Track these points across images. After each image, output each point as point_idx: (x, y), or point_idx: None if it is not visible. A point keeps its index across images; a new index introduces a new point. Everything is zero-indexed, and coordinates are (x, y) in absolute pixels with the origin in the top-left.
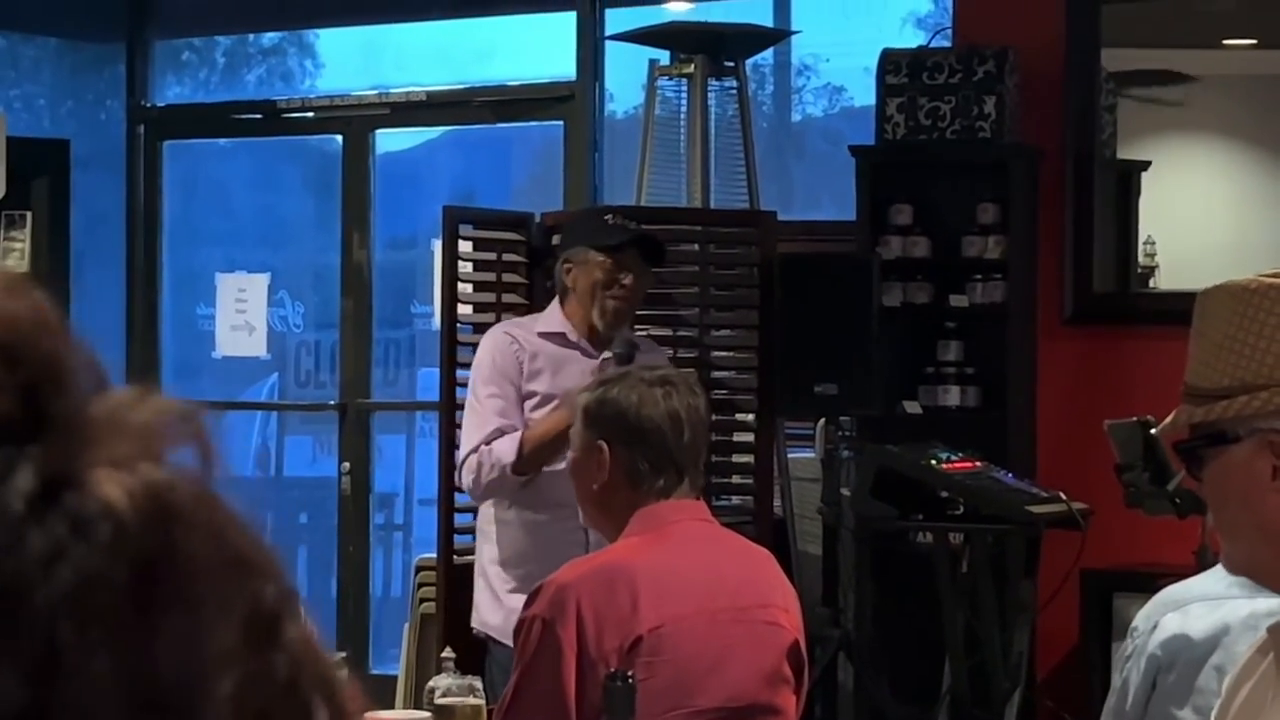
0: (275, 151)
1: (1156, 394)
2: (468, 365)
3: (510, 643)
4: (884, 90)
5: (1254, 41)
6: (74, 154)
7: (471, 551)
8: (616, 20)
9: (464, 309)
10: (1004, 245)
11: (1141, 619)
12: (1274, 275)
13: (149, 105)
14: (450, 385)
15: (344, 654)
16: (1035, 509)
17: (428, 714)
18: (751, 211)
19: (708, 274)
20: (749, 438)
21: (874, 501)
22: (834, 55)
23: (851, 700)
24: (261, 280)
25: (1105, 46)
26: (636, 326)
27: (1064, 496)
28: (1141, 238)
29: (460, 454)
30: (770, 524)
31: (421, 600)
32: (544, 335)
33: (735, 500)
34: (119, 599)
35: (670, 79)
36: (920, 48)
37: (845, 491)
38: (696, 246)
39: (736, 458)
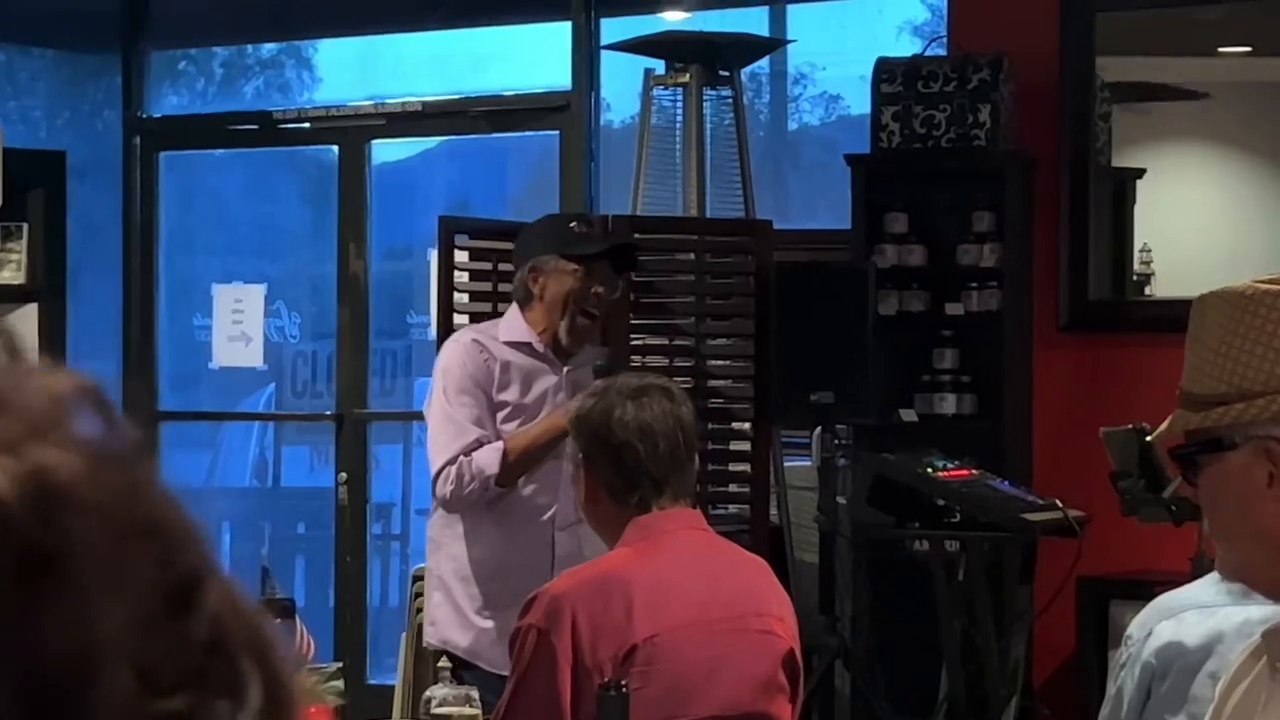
0: (271, 162)
1: (1152, 402)
2: None
3: (480, 662)
4: (879, 99)
5: (1249, 49)
6: (70, 165)
7: None
8: (612, 30)
9: (460, 319)
10: (999, 253)
11: (1135, 627)
12: (1270, 281)
13: (145, 116)
14: None
15: (341, 664)
16: (1031, 517)
17: None
18: (747, 220)
19: (703, 283)
20: (745, 446)
21: (870, 509)
22: (830, 64)
23: (849, 708)
24: (258, 291)
25: (1100, 54)
26: (633, 336)
27: (1060, 504)
28: (1137, 245)
29: (435, 464)
30: (767, 532)
31: (419, 610)
32: (510, 344)
33: (731, 509)
34: (3, 585)
35: (666, 88)
36: (915, 56)
37: (842, 500)
38: (692, 256)
39: (733, 466)
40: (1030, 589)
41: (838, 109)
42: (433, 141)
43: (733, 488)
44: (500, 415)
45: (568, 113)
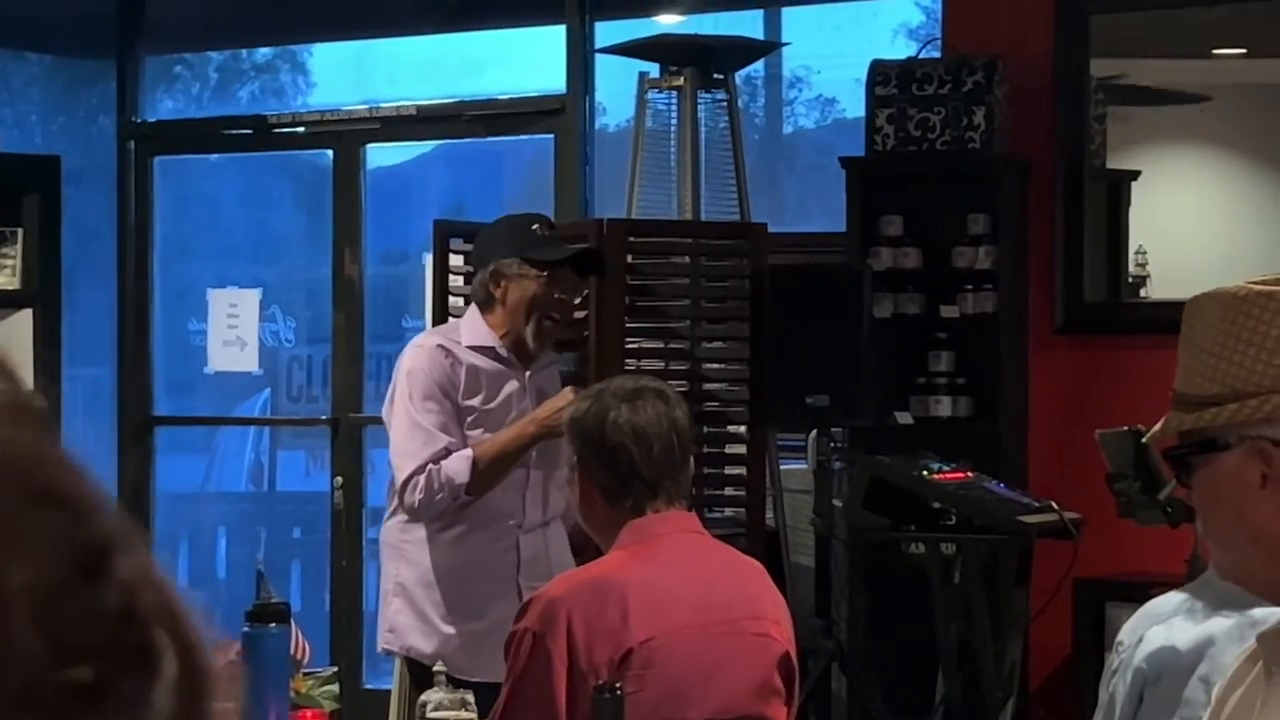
0: (266, 166)
1: (1148, 403)
2: None
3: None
4: (873, 101)
5: (1243, 51)
6: (65, 170)
7: None
8: (606, 33)
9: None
10: (994, 255)
11: (1126, 633)
12: (1263, 283)
13: (140, 121)
14: None
15: (337, 668)
16: (1027, 519)
17: None
18: (742, 224)
19: (699, 286)
20: (741, 449)
21: (866, 512)
22: (824, 67)
23: (845, 711)
24: (253, 295)
25: (1094, 56)
26: (628, 339)
27: (1056, 506)
28: (1132, 247)
29: (402, 471)
30: (762, 535)
31: None
32: (474, 349)
33: (727, 512)
34: None
35: (660, 92)
36: (910, 59)
37: (837, 502)
38: (687, 259)
39: (728, 469)
40: (1026, 591)
41: (832, 112)
42: (427, 145)
43: (728, 490)
44: (467, 421)
45: (562, 116)
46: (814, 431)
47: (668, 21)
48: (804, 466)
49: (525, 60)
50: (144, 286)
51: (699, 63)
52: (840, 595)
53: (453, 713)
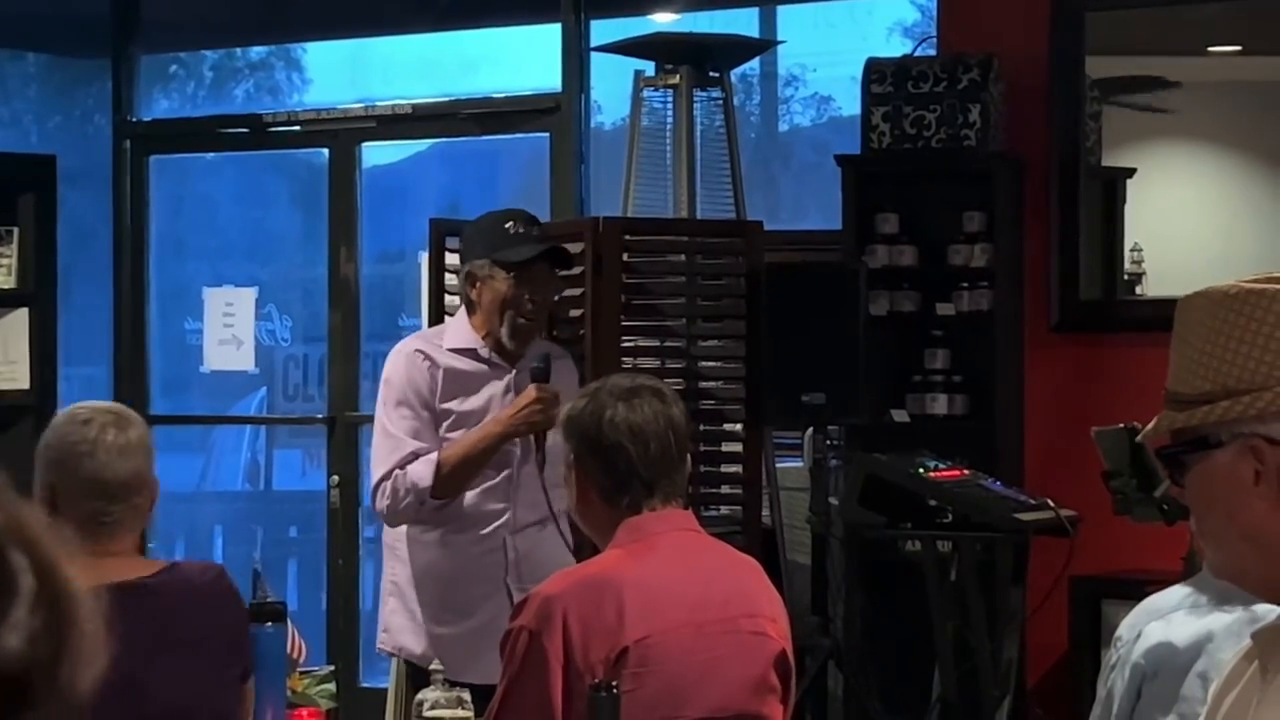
0: (262, 165)
1: (1144, 401)
2: None
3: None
4: (869, 99)
5: (1239, 48)
6: (61, 169)
7: None
8: (602, 32)
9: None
10: (990, 253)
11: (1125, 628)
12: (1255, 280)
13: (135, 120)
14: None
15: (333, 667)
16: (1023, 516)
17: None
18: (738, 222)
19: (694, 284)
20: (737, 448)
21: (862, 510)
22: (820, 65)
23: (841, 709)
24: (249, 294)
25: (1090, 54)
26: (624, 337)
27: (1052, 504)
28: (1128, 245)
29: (372, 479)
30: (759, 533)
31: None
32: (455, 351)
33: (723, 510)
34: None
35: (656, 90)
36: (905, 57)
37: (834, 500)
38: (683, 257)
39: (725, 468)
40: (1023, 589)
41: (828, 110)
42: (423, 144)
43: (724, 489)
44: (445, 424)
45: (558, 115)
46: (810, 429)
47: (663, 20)
48: (800, 464)
49: (521, 59)
50: (140, 285)
51: (694, 61)
52: (837, 593)
53: (449, 711)
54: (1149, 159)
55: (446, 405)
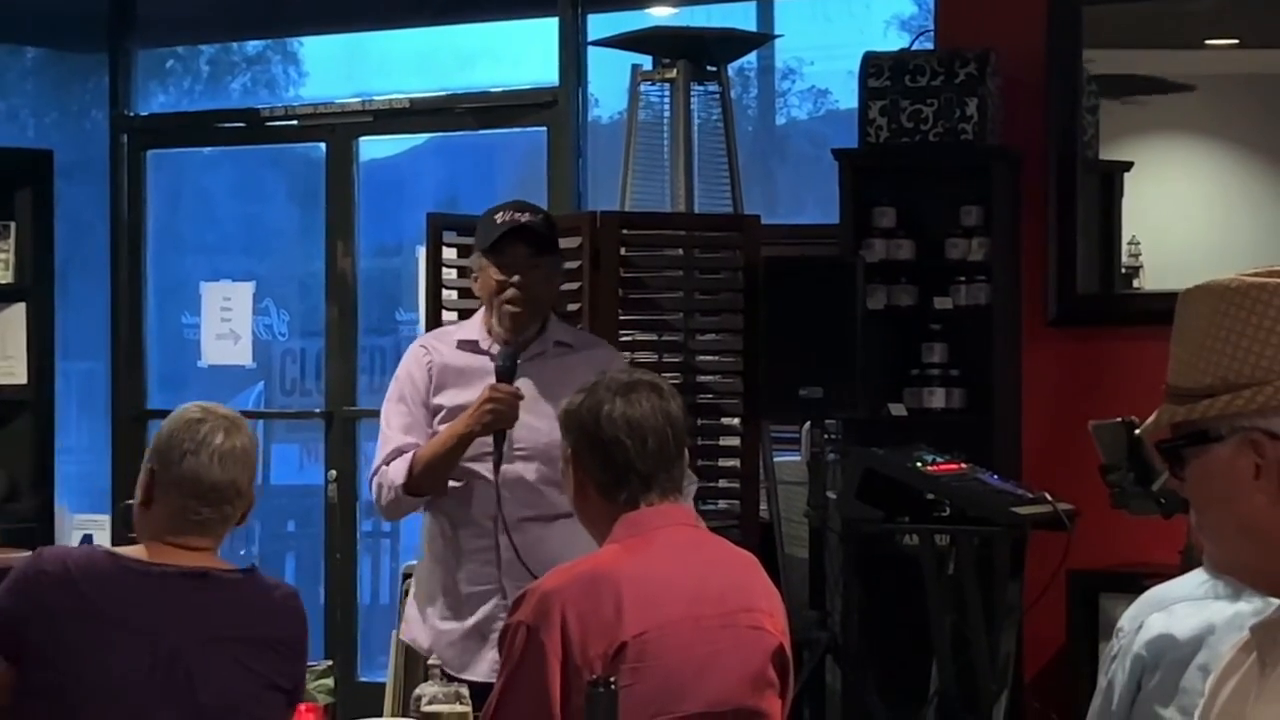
0: (259, 160)
1: (1141, 394)
2: None
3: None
4: (866, 93)
5: (1236, 42)
6: (58, 164)
7: None
8: (599, 25)
9: (448, 315)
10: (987, 247)
11: (1126, 620)
12: (1255, 274)
13: (132, 114)
14: None
15: (331, 661)
16: (1021, 510)
17: None
18: (735, 216)
19: (692, 279)
20: (734, 441)
21: (860, 504)
22: (817, 59)
23: (839, 703)
24: (246, 289)
25: (1087, 48)
26: (621, 331)
27: (1049, 497)
28: (1125, 238)
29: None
30: (756, 528)
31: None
32: (461, 344)
33: (721, 504)
34: None
35: (653, 84)
36: (902, 50)
37: (831, 494)
38: (681, 251)
39: (722, 462)
40: (1020, 582)
41: (825, 104)
42: (420, 138)
43: (722, 483)
44: (437, 419)
45: (555, 109)
46: (808, 423)
47: (660, 14)
48: (798, 459)
49: (518, 53)
50: (137, 280)
51: (692, 55)
52: (834, 587)
53: (447, 706)
54: (1146, 153)
55: (438, 400)
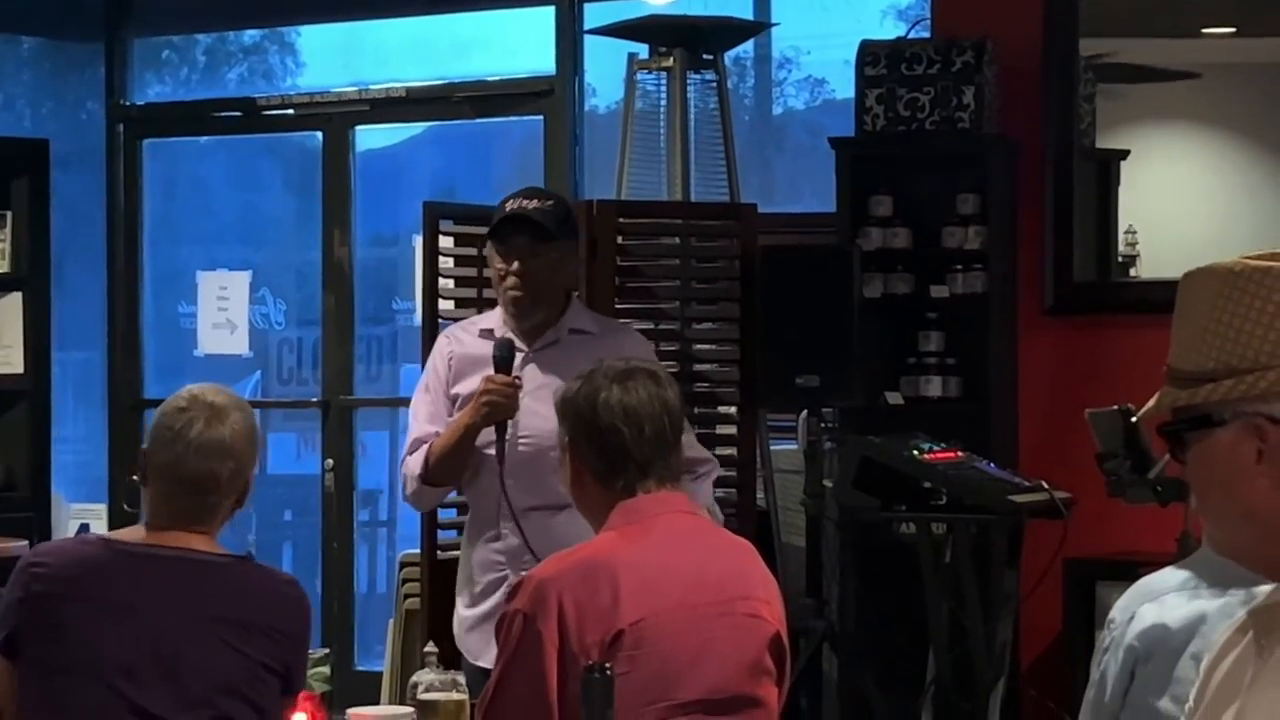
0: (255, 149)
1: (1137, 383)
2: None
3: (462, 649)
4: (863, 82)
5: (1233, 30)
6: (54, 153)
7: (455, 547)
8: (595, 14)
9: (445, 305)
10: (984, 236)
11: (1118, 610)
12: (1259, 258)
13: (128, 104)
14: None
15: (328, 650)
16: (1018, 498)
17: (411, 709)
18: (732, 204)
19: (689, 267)
20: (731, 430)
21: (857, 493)
22: (814, 48)
23: (836, 691)
24: (243, 278)
25: (1084, 36)
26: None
27: (1046, 486)
28: (1122, 227)
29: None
30: (753, 516)
31: (406, 596)
32: (483, 332)
33: (718, 492)
34: None
35: (650, 72)
36: (899, 39)
37: (828, 483)
38: (677, 240)
39: (719, 450)
40: (1017, 571)
41: (822, 92)
42: (417, 127)
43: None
44: (456, 406)
45: (552, 98)
46: (804, 412)
47: (657, 2)
48: (794, 447)
49: (514, 41)
50: (133, 270)
51: (688, 43)
52: (831, 575)
53: (443, 694)
54: (1143, 141)
55: (456, 389)
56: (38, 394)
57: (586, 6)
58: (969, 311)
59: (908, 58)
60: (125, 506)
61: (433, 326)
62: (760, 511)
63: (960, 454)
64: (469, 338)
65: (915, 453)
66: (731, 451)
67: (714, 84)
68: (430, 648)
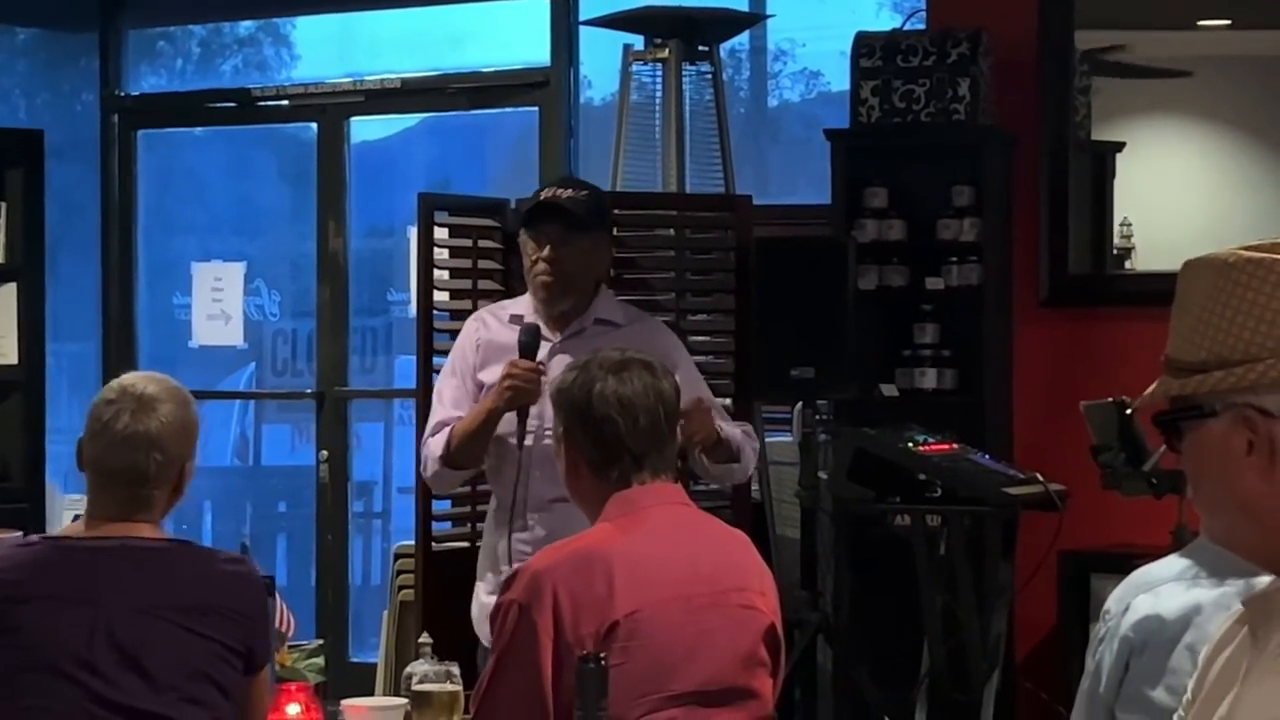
0: (250, 140)
1: (1133, 375)
2: (444, 352)
3: (480, 634)
4: (858, 73)
5: (1228, 23)
6: (49, 144)
7: (449, 539)
8: (590, 5)
9: (440, 296)
10: (979, 228)
11: (1113, 601)
12: (1255, 249)
13: (123, 95)
14: (427, 372)
15: (322, 641)
16: (1012, 490)
17: (405, 700)
18: (727, 196)
19: (684, 259)
20: None
21: (851, 484)
22: (809, 39)
23: (830, 682)
24: (237, 269)
25: (1079, 28)
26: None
27: (1041, 478)
28: (1117, 219)
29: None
30: (748, 508)
31: (400, 588)
32: (512, 318)
33: (713, 484)
34: None
35: (645, 64)
36: (894, 31)
37: (823, 475)
38: (672, 231)
39: None
40: (1011, 563)
41: (817, 84)
42: (412, 119)
43: None
44: (482, 392)
45: (547, 89)
46: (799, 404)
47: None
48: (789, 439)
49: (509, 33)
50: (128, 261)
51: (684, 35)
52: (826, 567)
53: (437, 685)
54: (1138, 133)
55: (482, 375)
56: (32, 385)
57: None
58: (964, 303)
59: (903, 50)
60: None
61: (428, 318)
62: (755, 503)
63: (955, 446)
64: (497, 323)
65: (910, 445)
66: None
67: (709, 75)
68: (425, 639)
